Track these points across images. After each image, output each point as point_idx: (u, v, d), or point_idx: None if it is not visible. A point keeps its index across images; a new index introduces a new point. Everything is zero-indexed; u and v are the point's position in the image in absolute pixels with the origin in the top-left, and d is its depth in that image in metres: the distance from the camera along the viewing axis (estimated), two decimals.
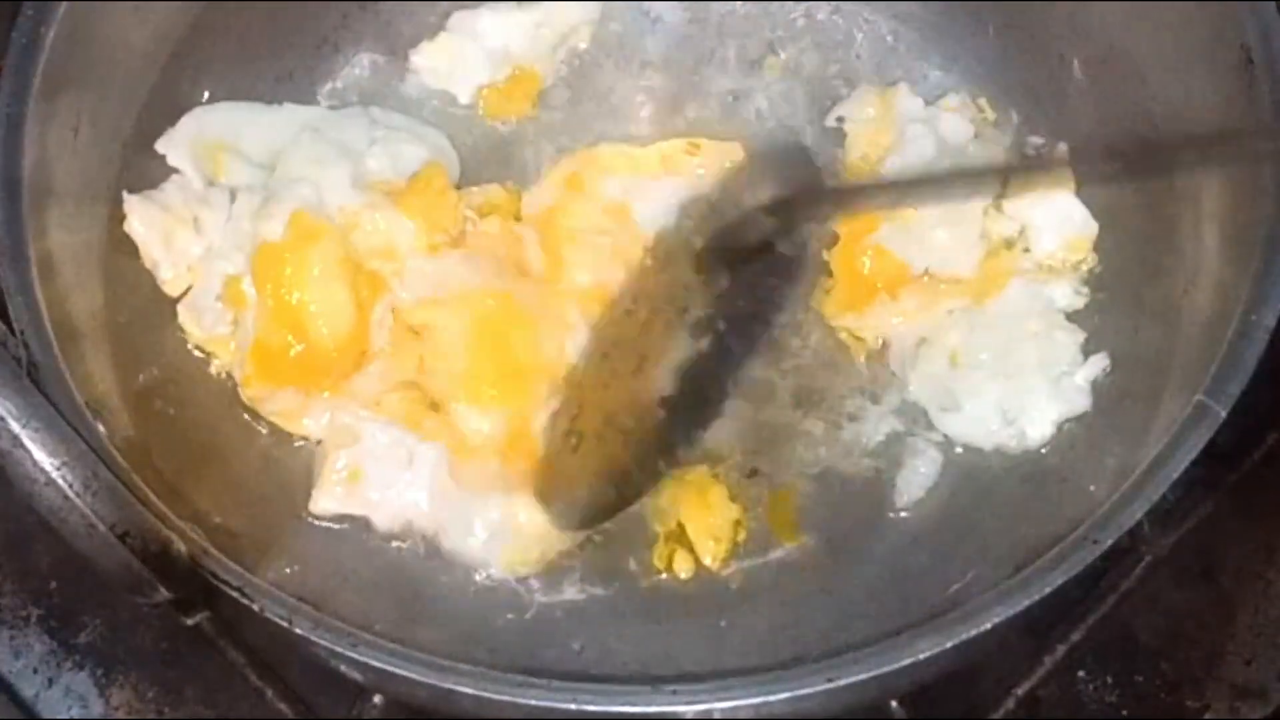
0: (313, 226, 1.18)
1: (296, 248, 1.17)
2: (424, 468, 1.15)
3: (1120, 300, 1.21)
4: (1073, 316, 1.21)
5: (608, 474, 1.16)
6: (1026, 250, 1.23)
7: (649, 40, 1.39)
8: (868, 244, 1.23)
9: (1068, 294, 1.22)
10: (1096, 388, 1.17)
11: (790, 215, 1.18)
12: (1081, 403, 1.17)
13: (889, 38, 1.36)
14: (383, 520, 1.15)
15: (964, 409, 1.18)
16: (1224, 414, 0.97)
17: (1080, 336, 1.19)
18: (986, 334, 1.20)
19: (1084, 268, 1.23)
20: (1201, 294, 1.09)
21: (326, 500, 1.15)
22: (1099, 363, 1.17)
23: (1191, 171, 1.09)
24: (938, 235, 1.22)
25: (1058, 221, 1.23)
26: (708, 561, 1.15)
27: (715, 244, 1.20)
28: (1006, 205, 1.23)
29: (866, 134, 1.29)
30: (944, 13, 1.34)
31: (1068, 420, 1.17)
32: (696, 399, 1.18)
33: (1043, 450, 1.17)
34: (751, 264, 1.20)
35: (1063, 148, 1.26)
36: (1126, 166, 1.13)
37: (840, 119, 1.32)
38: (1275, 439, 1.21)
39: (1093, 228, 1.23)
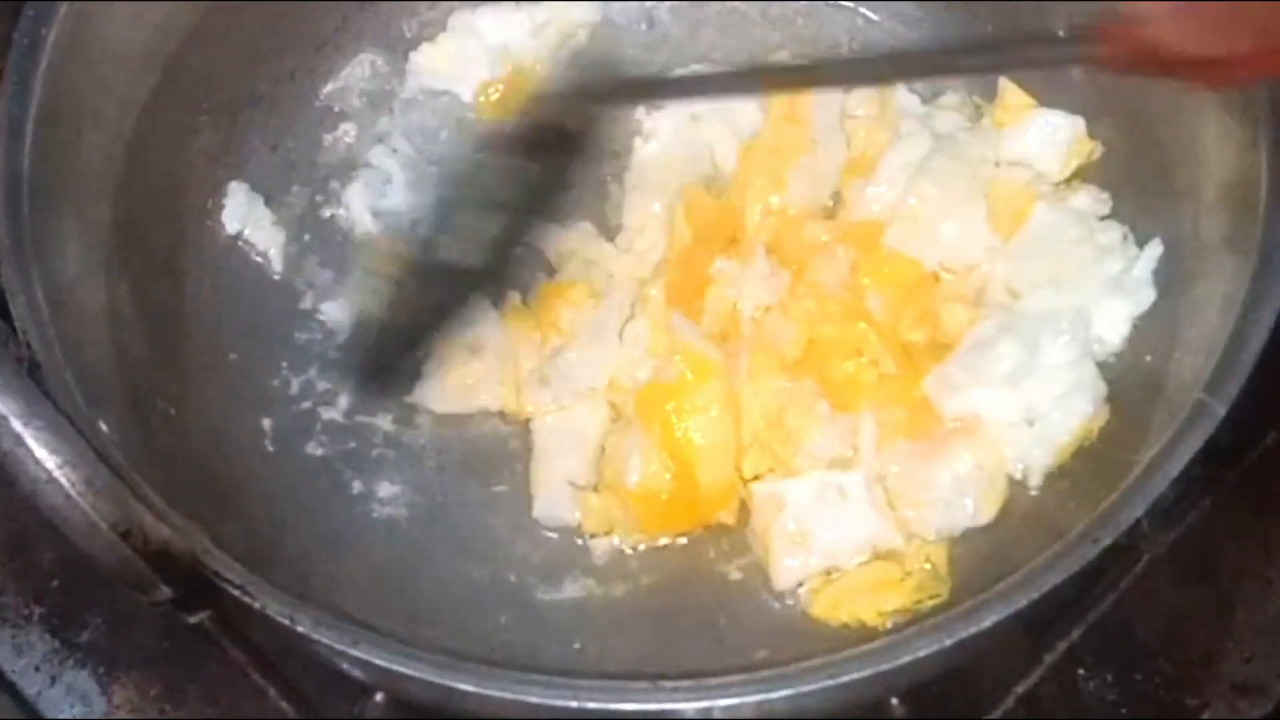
0: (704, 362, 1.17)
1: (689, 387, 1.16)
2: (858, 492, 1.14)
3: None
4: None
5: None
6: (1040, 175, 1.25)
7: (649, 40, 1.39)
8: (883, 250, 1.23)
9: (1090, 203, 1.23)
10: (1159, 279, 1.17)
11: (589, 101, 1.12)
12: (1147, 295, 1.17)
13: (888, 36, 1.37)
14: (850, 557, 1.13)
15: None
16: (1223, 412, 0.97)
17: (1120, 231, 1.20)
18: (1032, 255, 1.20)
19: (1094, 157, 1.25)
20: (1200, 291, 1.09)
21: (791, 573, 1.13)
22: (1154, 251, 1.17)
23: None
24: (945, 230, 1.22)
25: (1049, 136, 1.25)
26: None
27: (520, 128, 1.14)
28: (1001, 149, 1.26)
29: (864, 132, 1.29)
30: (943, 12, 1.35)
31: (1140, 317, 1.17)
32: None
33: (1123, 352, 1.17)
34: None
35: None
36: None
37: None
38: (1275, 437, 1.21)
39: (1079, 122, 1.25)
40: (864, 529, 1.13)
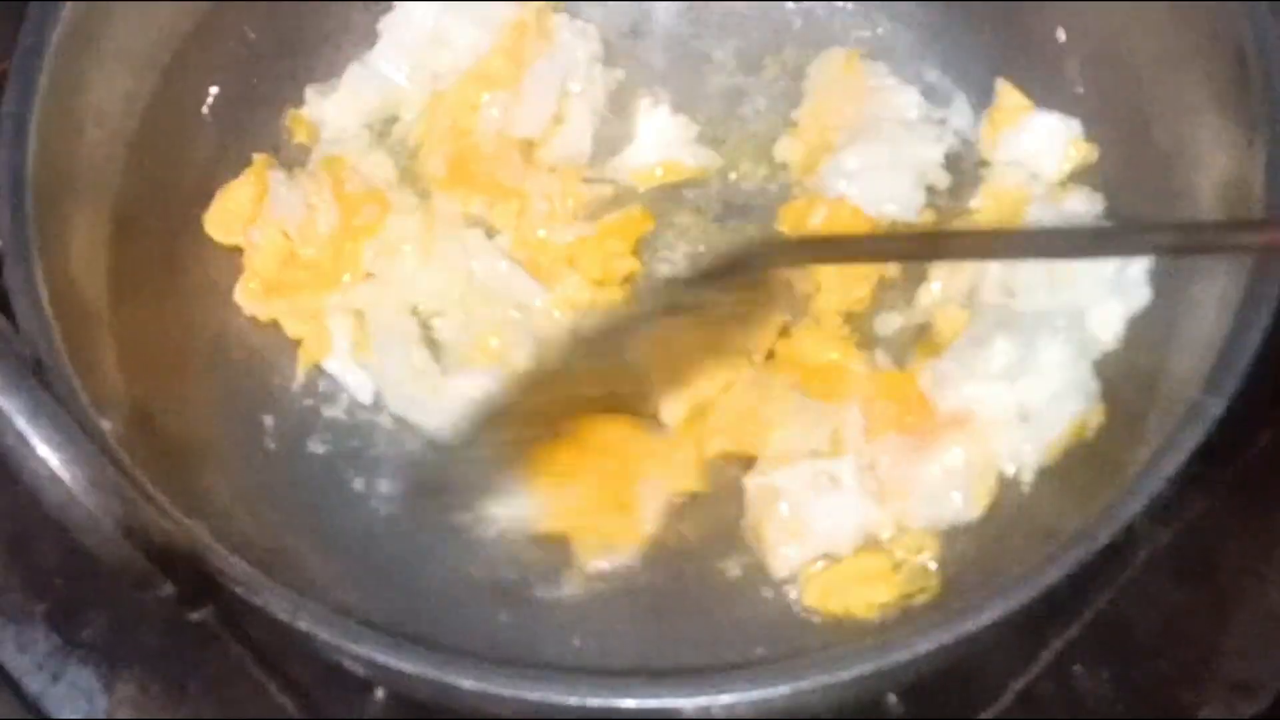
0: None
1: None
2: (849, 478, 1.14)
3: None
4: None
5: None
6: (1035, 176, 1.26)
7: (648, 40, 1.39)
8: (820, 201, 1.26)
9: (1084, 203, 1.24)
10: (1155, 278, 1.17)
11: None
12: (1143, 295, 1.17)
13: (888, 37, 1.37)
14: (845, 543, 1.14)
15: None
16: (1220, 411, 0.97)
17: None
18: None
19: (1090, 159, 1.25)
20: (1197, 290, 1.10)
21: (789, 560, 1.13)
22: None
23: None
24: (882, 178, 1.25)
25: (1045, 137, 1.26)
26: None
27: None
28: (996, 152, 1.28)
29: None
30: (942, 13, 1.35)
31: (1136, 316, 1.17)
32: None
33: (1120, 351, 1.17)
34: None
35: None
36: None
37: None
38: (1272, 435, 1.22)
39: (1075, 124, 1.26)
40: (857, 514, 1.14)
